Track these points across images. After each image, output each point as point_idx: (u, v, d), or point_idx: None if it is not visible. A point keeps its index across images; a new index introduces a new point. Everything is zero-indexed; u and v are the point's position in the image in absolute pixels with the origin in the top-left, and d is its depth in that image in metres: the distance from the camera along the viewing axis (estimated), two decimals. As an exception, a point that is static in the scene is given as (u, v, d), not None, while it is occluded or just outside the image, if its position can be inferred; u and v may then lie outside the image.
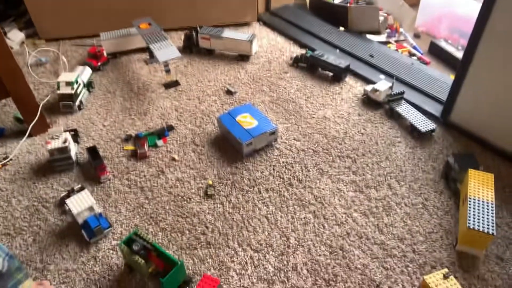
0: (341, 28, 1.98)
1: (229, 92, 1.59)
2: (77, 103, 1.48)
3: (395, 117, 1.45)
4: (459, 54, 1.73)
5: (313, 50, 1.77)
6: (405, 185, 1.20)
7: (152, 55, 1.75)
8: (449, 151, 1.31)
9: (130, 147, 1.34)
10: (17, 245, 1.05)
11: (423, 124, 1.36)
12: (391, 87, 1.49)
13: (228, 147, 1.34)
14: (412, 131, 1.38)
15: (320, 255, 1.01)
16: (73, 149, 1.28)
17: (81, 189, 1.15)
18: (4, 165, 1.27)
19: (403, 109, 1.43)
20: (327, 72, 1.67)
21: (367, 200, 1.16)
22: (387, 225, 1.09)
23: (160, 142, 1.35)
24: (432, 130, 1.35)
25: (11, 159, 1.29)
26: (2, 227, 1.09)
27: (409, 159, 1.29)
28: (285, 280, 0.96)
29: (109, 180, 1.23)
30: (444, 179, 1.22)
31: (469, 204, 1.02)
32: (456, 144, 1.34)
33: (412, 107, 1.44)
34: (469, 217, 0.99)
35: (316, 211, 1.13)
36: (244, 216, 1.12)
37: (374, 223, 1.09)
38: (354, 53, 1.78)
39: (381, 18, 1.98)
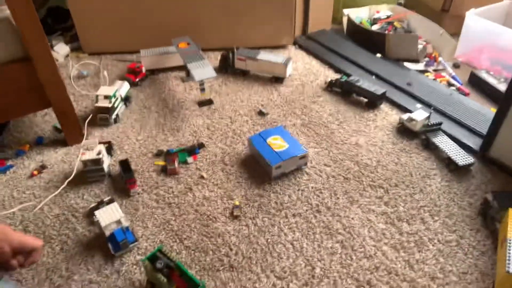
0: (378, 55, 1.95)
1: (261, 113, 1.59)
2: (114, 116, 1.53)
3: (431, 148, 1.40)
4: (502, 87, 1.67)
5: (348, 75, 1.75)
6: (439, 220, 1.15)
7: (188, 74, 1.79)
8: (487, 188, 1.25)
9: (160, 162, 1.36)
10: (45, 252, 1.06)
11: (461, 157, 1.31)
12: (428, 117, 1.45)
13: (257, 168, 1.33)
14: (448, 164, 1.33)
15: (346, 288, 0.98)
16: (106, 161, 1.31)
17: (111, 201, 1.16)
18: (39, 172, 1.31)
19: (440, 140, 1.38)
20: (362, 98, 1.65)
21: (399, 233, 1.11)
22: (418, 261, 1.04)
23: (190, 159, 1.36)
24: (470, 164, 1.30)
25: (46, 167, 1.33)
26: (33, 233, 1.12)
27: (444, 193, 1.23)
28: (308, 311, 0.93)
29: (138, 194, 1.24)
30: (482, 217, 1.16)
31: (509, 247, 0.96)
32: (495, 181, 1.27)
33: (449, 139, 1.39)
34: (509, 260, 0.93)
35: (344, 241, 1.09)
36: (269, 240, 1.09)
37: (405, 258, 1.04)
38: (390, 80, 1.75)
39: (420, 46, 1.95)
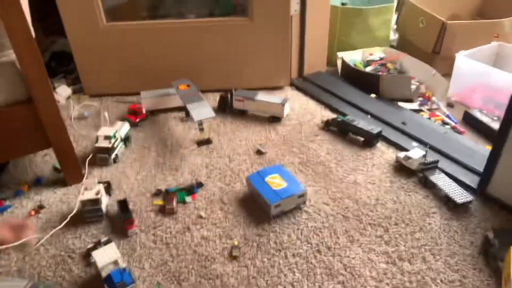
0: (373, 95, 2.00)
1: (259, 152, 1.61)
2: (113, 156, 1.54)
3: (429, 186, 1.40)
4: (495, 125, 1.70)
5: (344, 115, 1.79)
6: (441, 259, 1.13)
7: (188, 114, 1.82)
8: (487, 225, 1.24)
9: (159, 201, 1.35)
10: (39, 295, 1.04)
11: (459, 195, 1.31)
12: (424, 155, 1.46)
13: (256, 207, 1.33)
14: (447, 202, 1.33)
15: (348, 331, 0.95)
16: (105, 201, 1.31)
17: (108, 241, 1.15)
18: (37, 212, 1.30)
19: (438, 178, 1.39)
20: (358, 137, 1.67)
21: (400, 273, 1.09)
22: (421, 302, 1.02)
23: (188, 198, 1.36)
24: (469, 202, 1.30)
25: (44, 207, 1.33)
26: (28, 274, 1.09)
27: (444, 232, 1.22)
28: None
29: (136, 234, 1.23)
30: (483, 255, 1.14)
31: (513, 286, 0.94)
32: (494, 218, 1.27)
33: (447, 177, 1.40)
34: (514, 300, 0.91)
35: (345, 282, 1.07)
36: (269, 282, 1.07)
37: (408, 299, 1.02)
38: (385, 120, 1.78)
39: (413, 87, 2.00)
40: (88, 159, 1.52)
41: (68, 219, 1.25)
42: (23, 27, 1.17)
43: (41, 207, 1.33)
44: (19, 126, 1.29)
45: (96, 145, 1.51)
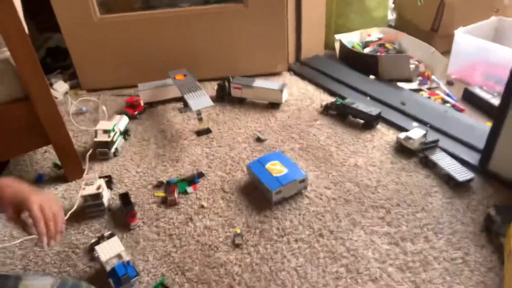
0: (372, 76, 1.98)
1: (259, 139, 1.60)
2: (113, 150, 1.54)
3: (430, 165, 1.40)
4: (495, 101, 1.68)
5: (343, 98, 1.77)
6: (443, 238, 1.13)
7: (186, 104, 1.81)
8: (489, 202, 1.24)
9: (160, 193, 1.36)
10: (46, 291, 1.05)
11: (460, 173, 1.30)
12: (424, 135, 1.45)
13: (257, 194, 1.33)
14: (448, 180, 1.32)
15: (352, 313, 0.96)
16: (106, 195, 1.31)
17: (111, 235, 1.16)
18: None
19: (438, 157, 1.38)
20: (358, 119, 1.66)
21: (403, 253, 1.09)
22: (425, 281, 1.02)
23: (190, 189, 1.36)
24: (470, 180, 1.29)
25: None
26: (32, 272, 1.11)
27: (446, 210, 1.22)
28: None
29: (139, 227, 1.23)
30: (486, 232, 1.14)
31: (516, 261, 0.94)
32: (496, 195, 1.27)
33: (448, 156, 1.39)
34: (517, 275, 0.91)
35: (349, 264, 1.07)
36: (272, 268, 1.08)
37: (411, 279, 1.02)
38: (385, 101, 1.77)
39: (412, 66, 1.98)
40: (88, 154, 1.53)
41: (68, 215, 1.26)
42: (16, 24, 1.15)
43: (43, 204, 1.33)
44: (17, 124, 1.29)
45: (96, 139, 1.51)
